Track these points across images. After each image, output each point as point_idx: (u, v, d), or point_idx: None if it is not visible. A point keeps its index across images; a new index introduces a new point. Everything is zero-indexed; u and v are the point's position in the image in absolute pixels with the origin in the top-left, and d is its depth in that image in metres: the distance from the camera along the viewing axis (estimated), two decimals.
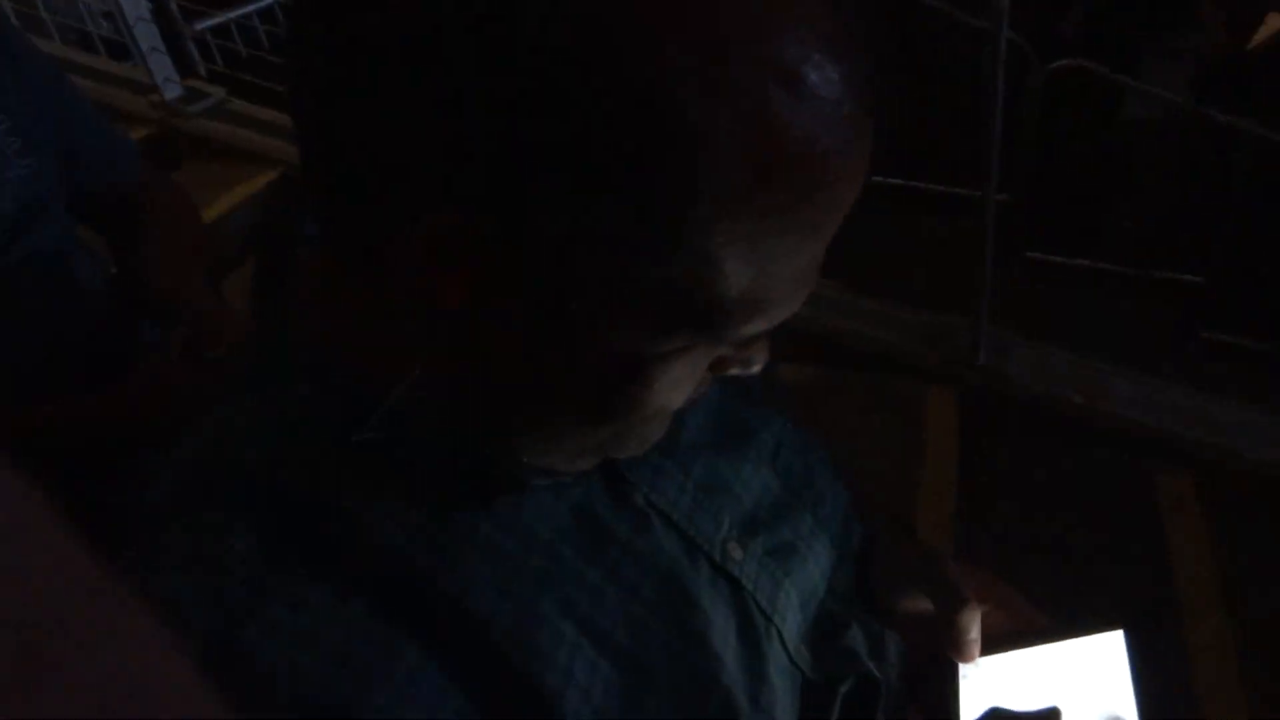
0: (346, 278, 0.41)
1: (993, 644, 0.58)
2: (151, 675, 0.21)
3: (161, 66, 2.08)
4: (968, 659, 0.57)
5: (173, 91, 2.11)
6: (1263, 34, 2.40)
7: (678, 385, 0.40)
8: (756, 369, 0.45)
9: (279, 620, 0.36)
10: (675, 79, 0.31)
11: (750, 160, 0.33)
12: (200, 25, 2.34)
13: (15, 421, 0.80)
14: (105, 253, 0.99)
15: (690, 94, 0.31)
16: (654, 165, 0.32)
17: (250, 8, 2.55)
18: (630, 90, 0.31)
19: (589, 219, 0.33)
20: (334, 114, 0.35)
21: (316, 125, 0.36)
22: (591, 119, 0.31)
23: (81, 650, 0.19)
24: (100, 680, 0.19)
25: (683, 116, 0.31)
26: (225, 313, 0.94)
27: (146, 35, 2.03)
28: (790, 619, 0.53)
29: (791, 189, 0.34)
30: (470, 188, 0.33)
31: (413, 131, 0.33)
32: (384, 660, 0.37)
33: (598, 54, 0.31)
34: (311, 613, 0.37)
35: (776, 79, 0.32)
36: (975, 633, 0.57)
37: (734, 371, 0.44)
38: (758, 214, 0.34)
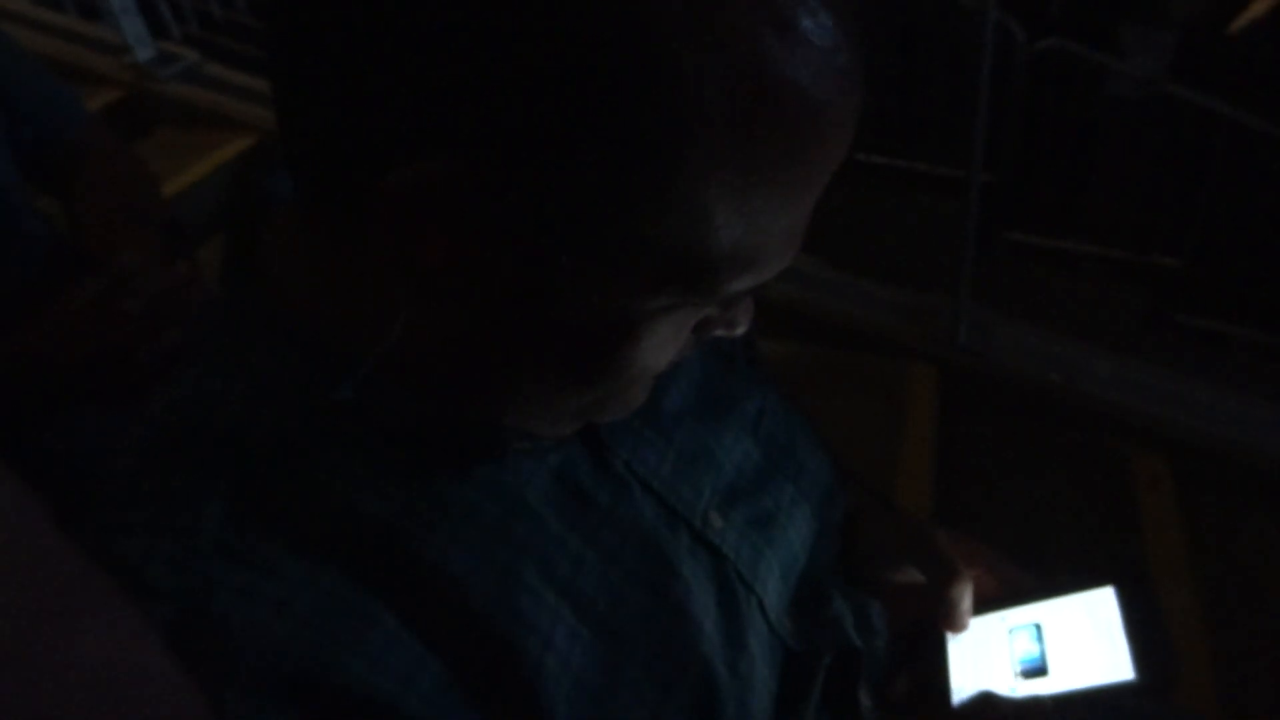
0: (322, 237, 0.39)
1: (983, 606, 0.58)
2: (130, 664, 0.21)
3: (134, 27, 2.03)
4: (959, 630, 0.57)
5: (145, 53, 2.06)
6: (1245, 17, 2.41)
7: (663, 346, 0.40)
8: (741, 330, 0.44)
9: (250, 586, 0.35)
10: (666, 22, 0.30)
11: (742, 109, 0.31)
12: None
13: None
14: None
15: (681, 38, 0.30)
16: (643, 112, 0.31)
17: None
18: (619, 33, 0.30)
19: (573, 167, 0.32)
20: (311, 59, 0.33)
21: (293, 72, 0.35)
22: (577, 62, 0.30)
23: (63, 640, 0.19)
24: (80, 669, 0.19)
25: (673, 62, 0.30)
26: (153, 269, 0.89)
27: None
28: (771, 588, 0.53)
29: (784, 140, 0.33)
30: (449, 133, 0.32)
31: (390, 74, 0.31)
32: (359, 626, 0.36)
33: None
34: (284, 579, 0.36)
35: (771, 24, 0.31)
36: (967, 603, 0.57)
37: (719, 332, 0.43)
38: (749, 166, 0.33)
